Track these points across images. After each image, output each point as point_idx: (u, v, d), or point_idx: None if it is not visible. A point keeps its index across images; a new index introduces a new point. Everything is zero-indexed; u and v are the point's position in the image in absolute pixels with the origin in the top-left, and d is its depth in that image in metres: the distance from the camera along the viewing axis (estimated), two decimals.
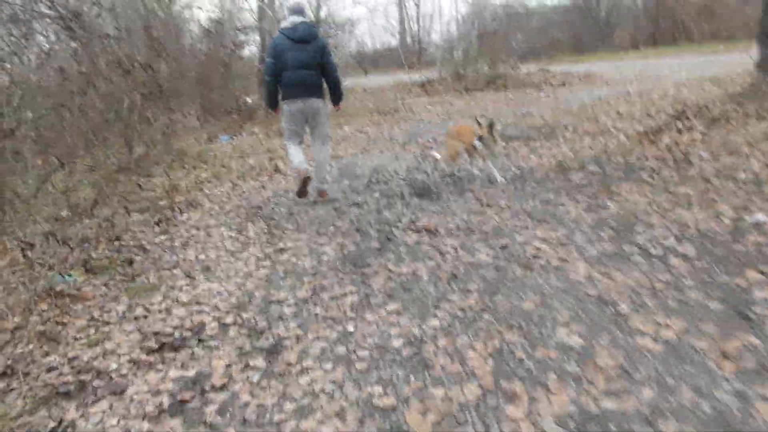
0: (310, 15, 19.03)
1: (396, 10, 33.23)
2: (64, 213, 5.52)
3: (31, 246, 4.26)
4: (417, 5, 35.81)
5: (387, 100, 16.26)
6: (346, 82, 19.29)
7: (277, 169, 7.91)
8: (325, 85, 5.78)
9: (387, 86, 19.73)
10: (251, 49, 19.10)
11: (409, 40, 34.50)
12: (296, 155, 5.75)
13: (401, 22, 33.69)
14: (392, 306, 3.12)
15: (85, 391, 2.51)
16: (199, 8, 17.49)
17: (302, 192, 5.76)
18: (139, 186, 6.02)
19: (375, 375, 2.48)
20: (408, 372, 2.47)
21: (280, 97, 5.69)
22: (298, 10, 5.64)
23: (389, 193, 6.14)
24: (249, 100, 15.01)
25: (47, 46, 7.57)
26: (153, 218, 5.31)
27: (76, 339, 3.02)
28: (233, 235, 4.91)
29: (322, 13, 19.43)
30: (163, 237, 4.92)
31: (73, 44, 6.15)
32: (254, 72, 15.51)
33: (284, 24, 5.63)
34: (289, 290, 3.54)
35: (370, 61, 27.49)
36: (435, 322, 2.87)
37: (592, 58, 26.39)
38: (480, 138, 5.92)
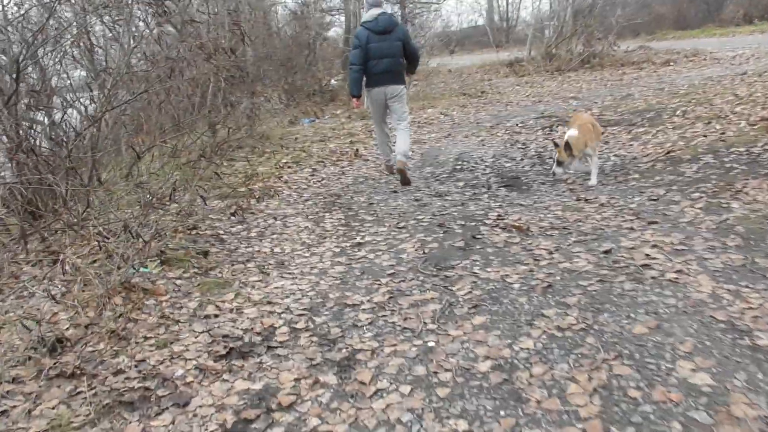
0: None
1: None
2: (147, 200, 5.55)
3: (113, 235, 4.24)
4: None
5: (473, 82, 15.68)
6: (432, 63, 18.93)
7: (357, 154, 7.69)
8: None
9: (473, 67, 19.06)
10: (336, 30, 19.03)
11: (496, 18, 33.31)
12: (383, 145, 6.39)
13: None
14: (478, 319, 2.77)
15: (149, 402, 2.36)
16: None
17: (389, 172, 6.39)
18: (217, 174, 5.94)
19: (459, 405, 2.15)
20: (497, 405, 2.13)
21: (366, 84, 6.01)
22: (377, 3, 6.01)
23: (475, 182, 5.75)
24: (333, 81, 14.90)
25: (142, 31, 7.71)
26: (231, 207, 5.20)
27: (145, 339, 2.89)
28: (310, 226, 4.71)
29: None
30: (240, 227, 4.80)
31: (161, 29, 6.15)
32: (338, 53, 15.37)
33: (365, 17, 5.97)
34: (365, 293, 3.27)
35: (456, 41, 26.69)
36: (528, 343, 2.50)
37: (698, 34, 24.35)
38: (560, 163, 5.19)
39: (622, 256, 3.29)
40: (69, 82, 6.88)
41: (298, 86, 13.61)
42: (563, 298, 2.86)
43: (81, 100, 6.76)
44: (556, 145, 5.24)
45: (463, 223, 4.33)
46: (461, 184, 5.76)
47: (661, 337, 2.42)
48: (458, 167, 6.56)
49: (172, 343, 2.84)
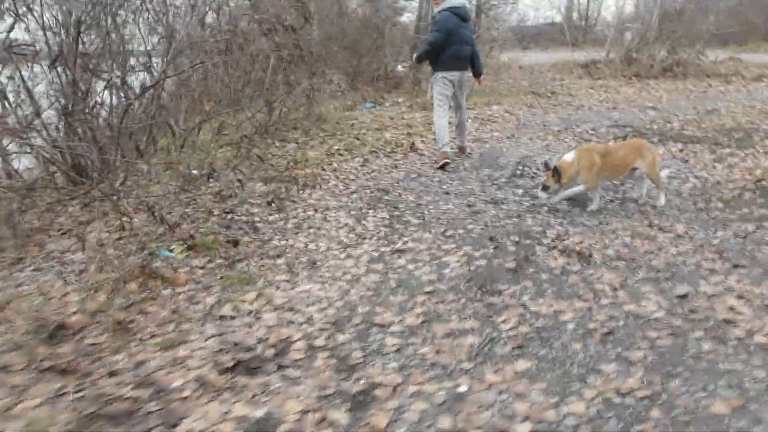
0: None
1: None
2: (195, 172, 5.36)
3: (148, 210, 4.05)
4: None
5: (544, 81, 14.93)
6: (503, 58, 18.22)
7: (413, 147, 7.30)
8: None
9: (546, 65, 18.23)
10: (409, 16, 18.54)
11: (575, 15, 31.90)
12: (444, 131, 6.35)
13: None
14: (522, 364, 2.38)
15: (135, 417, 2.10)
16: None
17: (442, 167, 6.28)
18: (260, 158, 5.68)
19: None
20: None
21: (435, 66, 6.31)
22: None
23: (535, 192, 5.28)
24: (400, 67, 14.48)
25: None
26: (272, 194, 4.93)
27: (152, 336, 2.65)
28: (350, 223, 4.39)
29: None
30: (278, 215, 4.53)
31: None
32: (408, 39, 14.94)
33: (452, 2, 6.16)
34: (397, 311, 2.92)
35: (531, 37, 25.73)
36: (579, 407, 2.09)
37: None
38: (545, 187, 4.72)
39: (701, 305, 2.81)
40: (135, 46, 6.79)
41: (363, 70, 13.29)
42: (626, 351, 2.43)
43: (145, 67, 6.66)
44: (547, 167, 4.74)
45: (517, 239, 3.90)
46: (520, 192, 5.31)
47: (746, 421, 1.97)
48: (519, 172, 6.09)
49: (178, 345, 2.58)
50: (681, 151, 6.58)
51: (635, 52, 15.33)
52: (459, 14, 6.10)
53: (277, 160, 6.52)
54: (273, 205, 4.69)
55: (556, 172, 4.59)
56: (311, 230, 4.23)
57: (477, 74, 6.75)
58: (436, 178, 5.89)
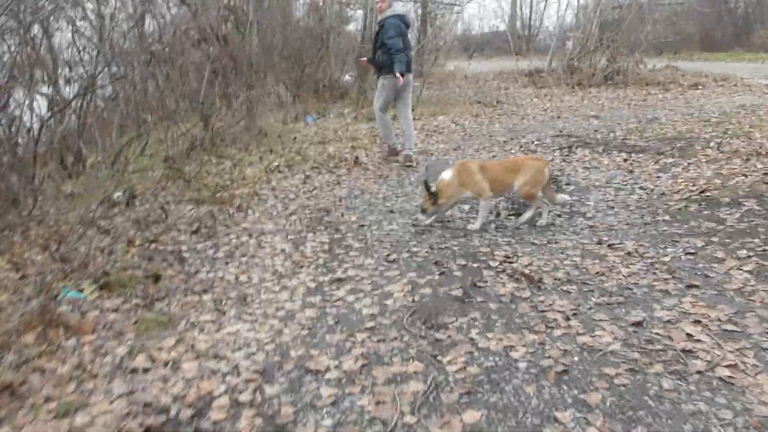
0: None
1: None
2: (119, 195, 4.94)
3: (57, 242, 3.63)
4: None
5: (490, 90, 14.98)
6: (449, 67, 18.22)
7: (357, 161, 7.05)
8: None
9: (491, 73, 18.37)
10: (356, 25, 18.32)
11: (518, 25, 32.50)
12: (390, 129, 7.08)
13: (513, 5, 31.74)
14: (471, 415, 2.13)
15: None
16: None
17: (392, 155, 7.07)
18: (186, 180, 5.30)
19: None
20: None
21: (382, 70, 6.62)
22: None
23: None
24: (347, 77, 14.24)
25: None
26: (201, 220, 4.55)
27: (47, 400, 2.27)
28: (287, 249, 4.08)
29: None
30: (208, 242, 4.17)
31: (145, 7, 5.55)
32: (354, 48, 14.70)
33: (397, 9, 6.59)
34: (334, 353, 2.63)
35: (476, 46, 25.99)
36: None
37: (726, 58, 23.58)
38: (423, 210, 4.52)
39: (658, 334, 2.64)
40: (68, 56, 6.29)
41: (307, 80, 12.96)
42: (583, 394, 2.21)
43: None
44: (426, 187, 4.42)
45: (464, 262, 3.68)
46: (467, 207, 5.12)
47: None
48: None
49: (77, 410, 2.21)
50: (625, 161, 6.55)
51: (577, 60, 15.59)
52: (404, 21, 6.54)
53: (212, 178, 6.14)
54: (202, 231, 4.33)
55: (432, 195, 4.37)
56: (244, 259, 3.90)
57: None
58: (380, 194, 5.65)
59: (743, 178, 5.21)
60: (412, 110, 7.34)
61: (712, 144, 6.73)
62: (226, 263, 3.81)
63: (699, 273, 3.31)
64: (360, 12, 16.87)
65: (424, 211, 4.48)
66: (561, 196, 4.88)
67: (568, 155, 7.10)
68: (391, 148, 7.10)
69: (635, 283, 3.22)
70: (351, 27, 17.69)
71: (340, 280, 3.50)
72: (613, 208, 4.96)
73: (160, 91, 6.88)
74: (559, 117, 10.25)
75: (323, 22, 13.48)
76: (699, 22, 28.36)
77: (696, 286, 3.12)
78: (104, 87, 5.68)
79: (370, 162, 7.16)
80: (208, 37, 5.54)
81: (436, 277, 3.46)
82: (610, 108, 11.02)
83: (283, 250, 4.04)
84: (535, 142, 7.99)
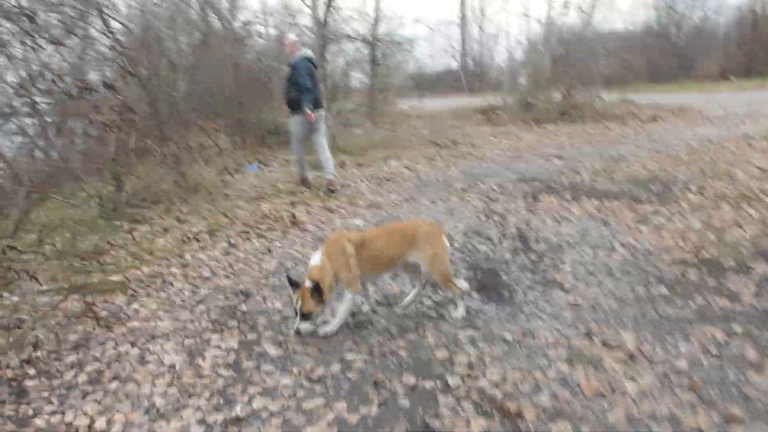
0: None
1: (458, 31, 31.28)
2: None
3: None
4: (480, 26, 33.87)
5: (444, 129, 14.31)
6: (402, 106, 17.58)
7: (294, 221, 6.06)
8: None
9: (445, 111, 17.81)
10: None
11: (470, 62, 32.54)
12: (302, 162, 7.81)
13: (463, 42, 31.78)
14: None
15: None
16: (260, 24, 16.01)
17: (304, 185, 7.81)
18: (80, 262, 4.23)
19: None
20: None
21: (295, 108, 7.27)
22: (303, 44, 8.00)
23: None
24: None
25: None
26: (64, 329, 3.45)
27: None
28: (179, 364, 3.02)
29: (380, 30, 17.61)
30: (73, 356, 3.09)
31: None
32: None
33: (306, 52, 7.48)
34: None
35: (428, 84, 25.60)
36: None
37: (674, 89, 23.79)
38: (305, 316, 3.15)
39: None
40: None
41: (251, 125, 11.96)
42: None
43: None
44: (293, 284, 3.23)
45: (413, 380, 2.70)
46: (466, 286, 4.14)
47: None
48: None
49: None
50: (598, 210, 5.76)
51: (531, 96, 15.14)
52: (313, 62, 7.34)
53: (116, 251, 5.07)
54: (69, 337, 3.24)
55: (315, 291, 3.11)
56: (113, 385, 2.82)
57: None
58: None
59: (741, 230, 4.44)
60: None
61: (691, 186, 6.02)
62: (86, 395, 2.73)
63: (734, 390, 2.41)
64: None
65: (306, 316, 3.15)
66: (461, 282, 3.71)
67: (533, 203, 6.29)
68: (303, 178, 7.84)
69: (651, 414, 2.29)
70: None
71: (238, 420, 2.47)
72: (593, 274, 4.10)
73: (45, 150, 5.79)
74: (519, 157, 9.54)
75: (261, 63, 12.61)
76: (642, 55, 28.85)
77: (739, 419, 2.21)
78: None
79: (311, 221, 6.18)
80: (83, 87, 4.53)
81: (374, 409, 2.47)
82: (571, 145, 10.40)
83: (172, 367, 2.99)
84: (496, 189, 7.18)
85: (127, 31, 7.89)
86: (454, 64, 32.56)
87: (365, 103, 14.52)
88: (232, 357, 3.07)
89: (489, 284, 4.09)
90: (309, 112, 6.98)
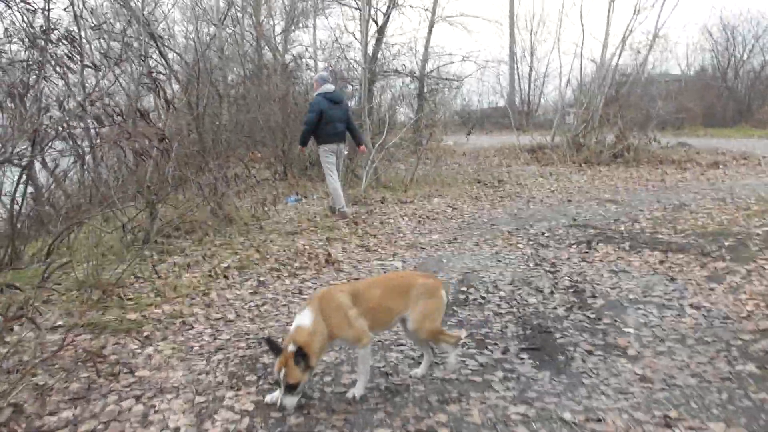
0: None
1: (506, 69, 30.97)
2: None
3: None
4: (530, 66, 33.56)
5: (490, 167, 13.90)
6: (448, 141, 17.29)
7: (329, 259, 5.71)
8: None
9: (491, 149, 17.40)
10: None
11: (518, 100, 32.13)
12: (339, 191, 7.91)
13: (511, 80, 31.45)
14: None
15: None
16: (310, 58, 16.22)
17: (341, 218, 7.72)
18: (98, 296, 3.95)
19: None
20: None
21: (318, 141, 7.89)
22: (329, 79, 8.16)
23: (484, 332, 3.77)
24: None
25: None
26: (76, 374, 3.14)
27: None
28: (184, 427, 2.65)
29: (428, 67, 17.45)
30: (71, 411, 2.76)
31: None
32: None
33: (325, 88, 7.76)
34: None
35: (476, 121, 25.29)
36: None
37: (733, 134, 22.82)
38: (291, 387, 2.64)
39: None
40: None
41: (294, 157, 11.78)
42: None
43: None
44: (274, 349, 2.72)
45: None
46: (464, 335, 3.73)
47: None
48: (462, 296, 4.59)
49: None
50: (662, 263, 5.21)
51: (582, 137, 14.58)
52: (331, 98, 7.68)
53: (139, 285, 4.81)
54: (72, 386, 2.91)
55: (301, 357, 2.61)
56: None
57: (358, 143, 8.39)
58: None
59: None
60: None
61: None
62: None
63: None
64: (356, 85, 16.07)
65: (292, 388, 2.65)
66: (455, 331, 3.35)
67: (587, 252, 5.78)
68: (342, 211, 7.77)
69: None
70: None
71: None
72: (663, 340, 3.58)
73: (94, 173, 5.65)
74: (569, 200, 9.02)
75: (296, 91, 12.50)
76: (699, 99, 27.94)
77: None
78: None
79: (348, 259, 5.83)
80: (113, 113, 4.33)
81: None
82: (626, 190, 9.82)
83: (176, 430, 2.61)
84: (546, 234, 6.69)
85: (180, 60, 7.87)
86: (501, 102, 32.23)
87: (410, 138, 14.25)
88: (245, 423, 2.67)
89: (540, 346, 3.62)
90: (301, 146, 8.32)
